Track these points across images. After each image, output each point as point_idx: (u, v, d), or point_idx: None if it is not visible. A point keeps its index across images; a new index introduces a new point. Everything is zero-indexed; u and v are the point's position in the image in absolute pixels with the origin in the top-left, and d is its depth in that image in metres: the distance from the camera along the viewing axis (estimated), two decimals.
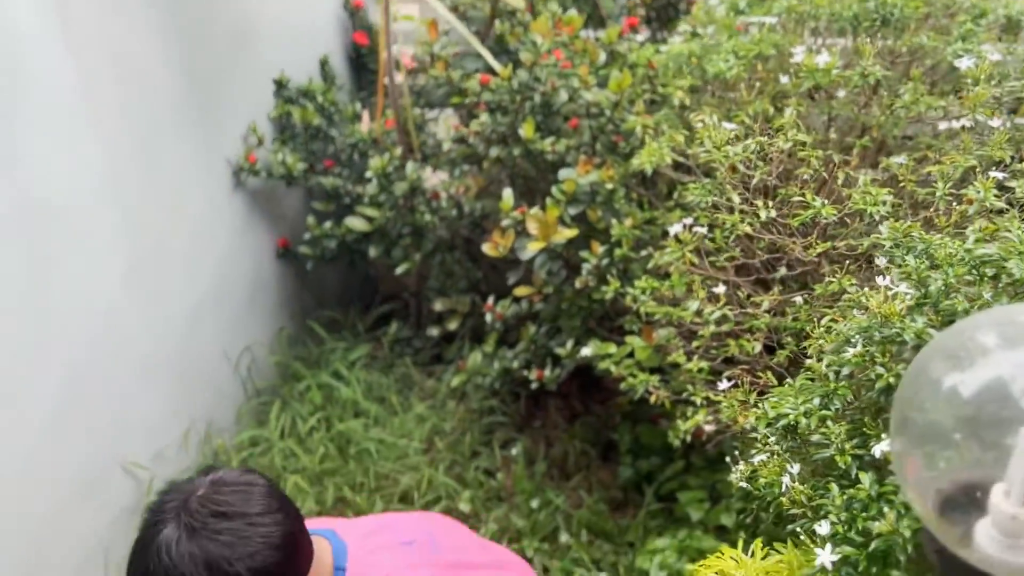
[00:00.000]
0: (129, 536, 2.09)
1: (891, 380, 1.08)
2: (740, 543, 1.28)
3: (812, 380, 1.22)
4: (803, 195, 1.40)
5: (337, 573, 1.37)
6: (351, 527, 1.49)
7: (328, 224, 2.61)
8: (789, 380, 1.50)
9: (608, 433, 2.43)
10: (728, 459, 2.10)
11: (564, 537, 2.15)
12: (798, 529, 1.13)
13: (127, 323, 2.05)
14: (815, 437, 1.14)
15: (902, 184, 1.45)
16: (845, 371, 1.14)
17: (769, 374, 1.50)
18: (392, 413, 2.45)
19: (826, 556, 1.05)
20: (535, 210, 1.80)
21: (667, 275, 1.71)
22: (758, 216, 1.40)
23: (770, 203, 1.39)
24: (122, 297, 2.03)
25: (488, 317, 2.19)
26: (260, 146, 2.54)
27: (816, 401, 1.17)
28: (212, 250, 2.41)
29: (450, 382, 2.51)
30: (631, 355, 1.85)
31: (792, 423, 1.17)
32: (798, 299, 1.54)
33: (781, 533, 1.68)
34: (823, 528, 1.07)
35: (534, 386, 2.13)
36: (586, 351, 1.86)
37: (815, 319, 1.50)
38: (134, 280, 2.06)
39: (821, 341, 1.25)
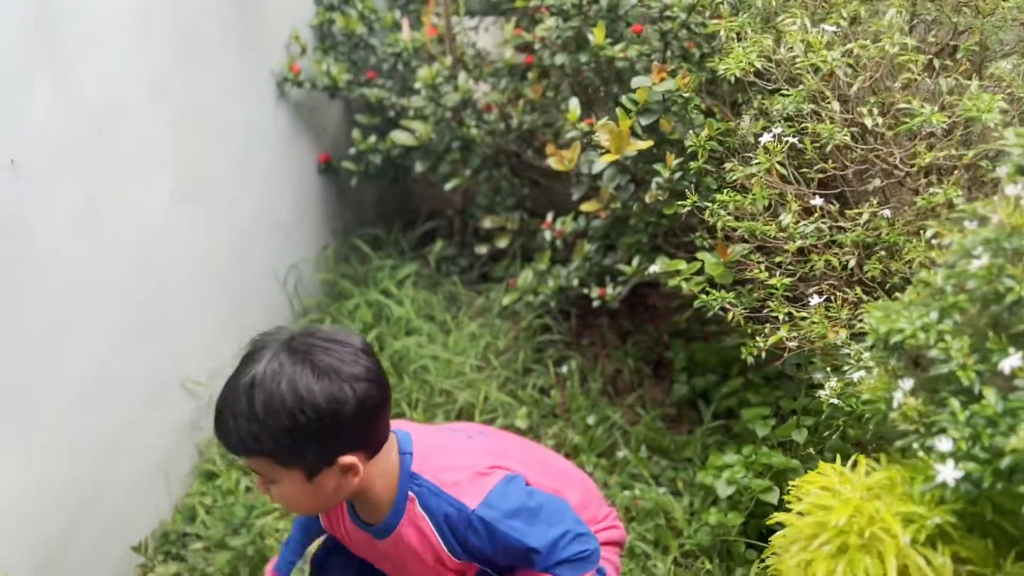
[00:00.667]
0: (188, 450, 2.11)
1: (1022, 293, 1.04)
2: (838, 459, 1.26)
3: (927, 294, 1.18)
4: (908, 101, 1.33)
5: (404, 457, 1.37)
6: (412, 425, 1.49)
7: (373, 138, 2.54)
8: (881, 295, 1.47)
9: (659, 351, 2.41)
10: (793, 376, 2.09)
11: (621, 453, 2.15)
12: (913, 446, 1.11)
13: (179, 241, 2.02)
14: (933, 352, 1.11)
15: (1010, 90, 1.38)
16: (971, 284, 1.09)
17: (859, 290, 1.46)
18: (445, 331, 2.44)
19: (948, 472, 1.02)
20: (606, 120, 1.73)
21: (744, 189, 1.66)
22: (861, 124, 1.33)
23: (875, 110, 1.32)
24: (172, 213, 1.99)
25: (547, 234, 2.14)
26: (303, 55, 2.45)
27: (934, 315, 1.13)
28: (258, 165, 2.35)
29: (500, 300, 2.49)
30: (699, 272, 1.81)
31: (906, 338, 1.13)
32: (886, 212, 1.49)
33: (850, 449, 1.67)
34: (944, 444, 1.04)
35: (596, 304, 2.10)
36: (654, 268, 1.81)
37: (911, 233, 1.45)
38: (183, 196, 2.02)
39: (933, 254, 1.21)
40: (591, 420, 2.22)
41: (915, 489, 1.13)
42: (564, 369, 2.35)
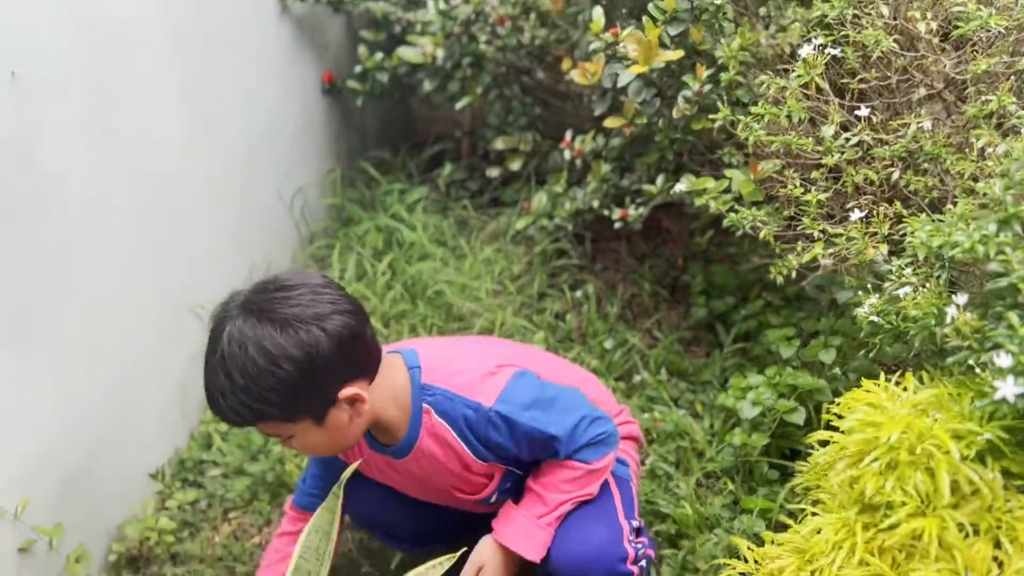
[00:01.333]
0: (199, 378, 2.07)
1: None
2: (881, 376, 1.23)
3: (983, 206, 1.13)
4: (963, 3, 1.26)
5: (412, 371, 1.36)
6: (415, 342, 1.47)
7: (379, 55, 2.44)
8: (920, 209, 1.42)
9: (676, 275, 2.38)
10: (815, 297, 2.05)
11: (639, 376, 2.13)
12: (969, 362, 1.08)
13: (187, 161, 1.94)
14: (992, 266, 1.07)
15: None
16: None
17: (898, 204, 1.42)
18: (458, 257, 2.39)
19: (1009, 388, 0.99)
20: (632, 29, 1.65)
21: (776, 102, 1.59)
22: (907, 31, 1.26)
23: (928, 14, 1.25)
24: (178, 132, 1.91)
25: (566, 154, 2.07)
26: None
27: (992, 227, 1.08)
28: (262, 83, 2.26)
29: (514, 225, 2.43)
30: (727, 191, 1.76)
31: (964, 252, 1.09)
32: (927, 124, 1.43)
33: (875, 370, 1.64)
34: (1003, 360, 1.01)
35: (617, 225, 2.04)
36: (680, 187, 1.76)
37: (955, 145, 1.40)
38: (188, 114, 1.94)
39: (988, 163, 1.16)
40: (608, 344, 2.19)
41: (964, 405, 1.11)
42: (579, 294, 2.32)
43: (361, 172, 2.72)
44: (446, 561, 1.24)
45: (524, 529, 1.38)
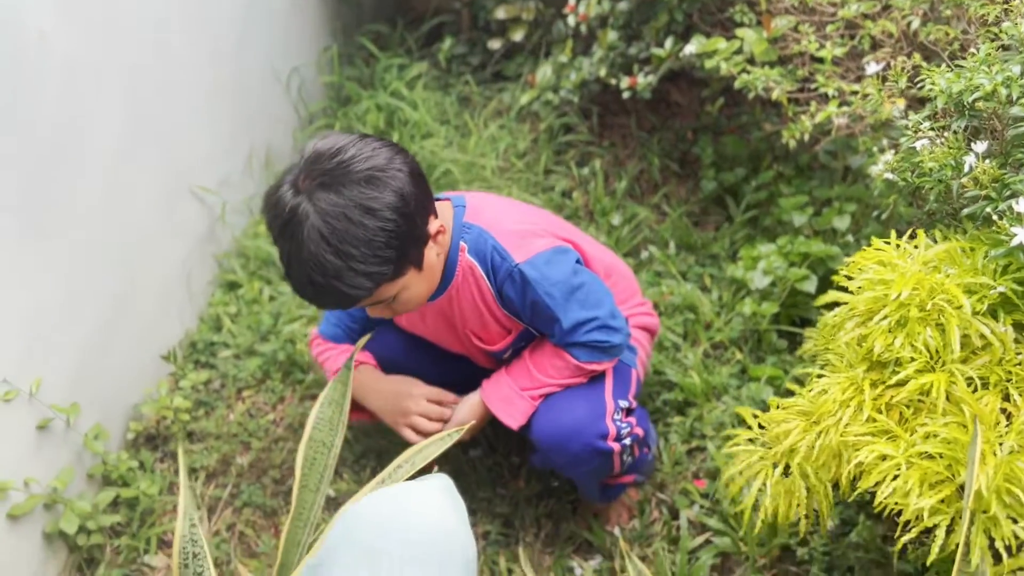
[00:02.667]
0: (207, 261, 2.07)
1: None
2: (892, 234, 1.20)
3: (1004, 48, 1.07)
4: None
5: (457, 209, 1.38)
6: (472, 192, 1.47)
7: None
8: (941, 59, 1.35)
9: (685, 148, 2.31)
10: (828, 165, 2.00)
11: (648, 252, 2.11)
12: (987, 211, 1.04)
13: (178, 45, 1.87)
14: (1014, 110, 1.02)
15: None
16: None
17: (918, 56, 1.34)
18: (462, 135, 2.33)
19: None
20: None
21: None
22: None
23: None
24: (175, 8, 1.83)
25: (571, 19, 1.98)
26: None
27: (1015, 68, 1.03)
28: None
29: (518, 99, 2.36)
30: (739, 51, 1.68)
31: (986, 95, 1.04)
32: None
33: (889, 235, 1.61)
34: (1023, 205, 0.97)
35: (626, 95, 1.97)
36: (690, 48, 1.68)
37: None
38: None
39: (1014, 2, 1.09)
40: (616, 220, 2.16)
41: (977, 259, 1.08)
42: (586, 170, 2.27)
43: (359, 48, 2.62)
44: (455, 433, 1.25)
45: (507, 396, 1.41)
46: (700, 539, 1.59)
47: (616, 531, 1.62)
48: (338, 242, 1.15)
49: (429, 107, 2.38)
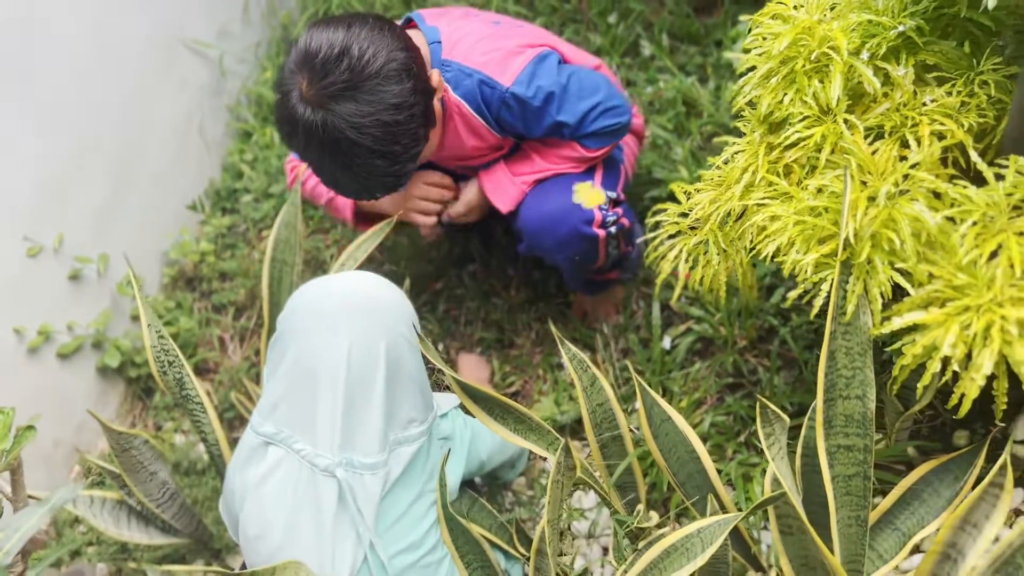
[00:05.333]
0: (216, 112, 2.15)
1: None
2: None
3: None
4: None
5: (433, 47, 1.38)
6: (433, 14, 1.44)
7: None
8: None
9: None
10: None
11: (646, 50, 2.02)
12: None
13: None
14: None
15: None
16: None
17: None
18: None
19: None
20: None
21: None
22: None
23: None
24: None
25: None
26: None
27: None
28: None
29: None
30: None
31: None
32: None
33: None
34: None
35: None
36: None
37: None
38: None
39: None
40: (612, 19, 2.07)
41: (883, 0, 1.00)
42: None
43: None
44: (385, 226, 1.33)
45: (501, 183, 1.46)
46: (682, 327, 1.62)
47: (606, 329, 1.68)
48: (381, 147, 1.19)
49: None
